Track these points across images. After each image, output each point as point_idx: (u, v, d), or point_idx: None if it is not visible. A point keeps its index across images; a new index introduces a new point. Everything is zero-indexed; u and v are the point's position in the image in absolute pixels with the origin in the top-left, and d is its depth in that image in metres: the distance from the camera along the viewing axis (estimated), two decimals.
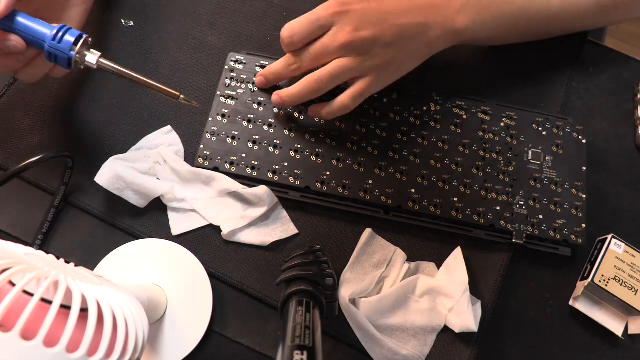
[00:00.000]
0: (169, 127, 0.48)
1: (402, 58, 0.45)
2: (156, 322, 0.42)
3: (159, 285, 0.43)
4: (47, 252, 0.30)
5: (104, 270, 0.44)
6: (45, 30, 0.39)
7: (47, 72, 0.43)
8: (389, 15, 0.43)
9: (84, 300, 0.25)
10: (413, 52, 0.45)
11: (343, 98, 0.45)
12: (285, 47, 0.45)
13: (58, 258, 0.29)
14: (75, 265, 0.30)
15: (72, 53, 0.39)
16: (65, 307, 0.24)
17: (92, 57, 0.40)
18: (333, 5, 0.43)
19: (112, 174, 0.44)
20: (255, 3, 0.54)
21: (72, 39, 0.39)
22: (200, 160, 0.47)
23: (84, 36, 0.40)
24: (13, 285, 0.23)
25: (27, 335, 0.22)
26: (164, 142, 0.48)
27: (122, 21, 0.53)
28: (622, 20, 0.53)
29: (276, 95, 0.47)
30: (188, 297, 0.44)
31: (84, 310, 0.24)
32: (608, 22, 0.53)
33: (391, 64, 0.44)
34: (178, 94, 0.42)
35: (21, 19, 0.39)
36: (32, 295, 0.24)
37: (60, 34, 0.39)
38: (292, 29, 0.43)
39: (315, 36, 0.43)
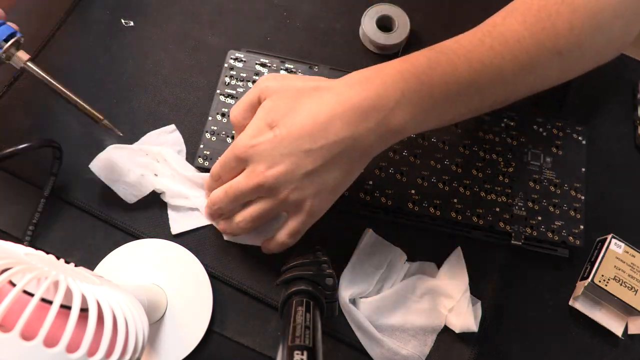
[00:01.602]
0: (172, 126, 0.48)
1: (333, 180, 0.38)
2: (156, 322, 0.42)
3: (159, 285, 0.43)
4: (47, 252, 0.30)
5: (104, 270, 0.44)
6: None
7: None
8: (302, 140, 0.36)
9: (84, 300, 0.25)
10: (344, 169, 0.38)
11: (281, 237, 0.41)
12: (209, 187, 0.43)
13: (58, 258, 0.29)
14: (75, 265, 0.30)
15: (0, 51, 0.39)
16: (65, 307, 0.24)
17: (19, 60, 0.40)
18: (241, 141, 0.38)
19: (107, 162, 0.44)
20: (255, 3, 0.54)
21: (3, 36, 0.39)
22: (200, 160, 0.47)
23: (18, 35, 0.39)
24: (13, 285, 0.23)
25: (27, 335, 0.22)
26: (167, 141, 0.48)
27: (122, 21, 0.53)
28: (593, 67, 0.45)
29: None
30: (188, 297, 0.43)
31: (84, 310, 0.24)
32: (579, 72, 0.45)
33: (322, 191, 0.38)
34: (101, 117, 0.42)
35: None
36: (32, 295, 0.24)
37: None
38: (216, 170, 0.41)
39: (237, 174, 0.40)
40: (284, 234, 0.41)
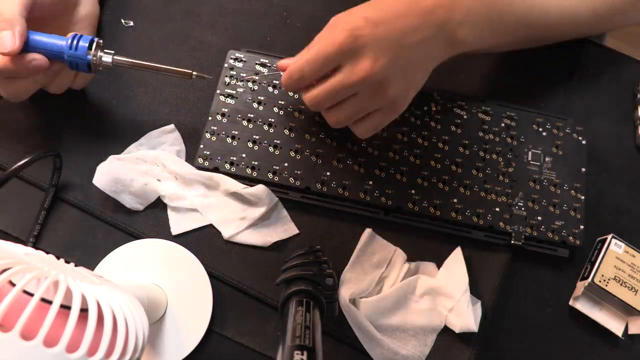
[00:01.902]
0: (172, 126, 0.48)
1: (418, 77, 0.43)
2: (156, 322, 0.42)
3: (159, 285, 0.43)
4: (47, 252, 0.30)
5: (104, 270, 0.44)
6: (60, 42, 0.42)
7: (72, 81, 0.46)
8: (399, 36, 0.40)
9: (84, 300, 0.25)
10: (424, 69, 0.43)
11: (366, 129, 0.44)
12: (291, 87, 0.43)
13: (58, 258, 0.29)
14: (75, 265, 0.30)
15: (89, 57, 0.42)
16: (65, 307, 0.24)
17: (108, 57, 0.43)
18: (340, 36, 0.39)
19: (110, 175, 0.44)
20: (255, 3, 0.54)
21: (86, 44, 0.42)
22: (200, 160, 0.47)
23: (96, 40, 0.43)
24: (13, 285, 0.23)
25: (27, 335, 0.22)
26: (166, 140, 0.48)
27: (122, 21, 0.53)
28: (618, 28, 0.53)
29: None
30: (188, 297, 0.43)
31: (84, 310, 0.24)
32: (604, 30, 0.54)
33: (410, 88, 0.43)
34: (190, 72, 0.44)
35: (37, 37, 0.41)
36: (32, 295, 0.24)
37: (75, 42, 0.42)
38: (300, 67, 0.41)
39: (325, 72, 0.41)
40: (369, 127, 0.44)
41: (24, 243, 0.44)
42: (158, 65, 0.44)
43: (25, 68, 0.41)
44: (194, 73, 0.44)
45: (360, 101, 0.41)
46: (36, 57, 0.41)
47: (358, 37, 0.39)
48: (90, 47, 0.42)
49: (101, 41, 0.43)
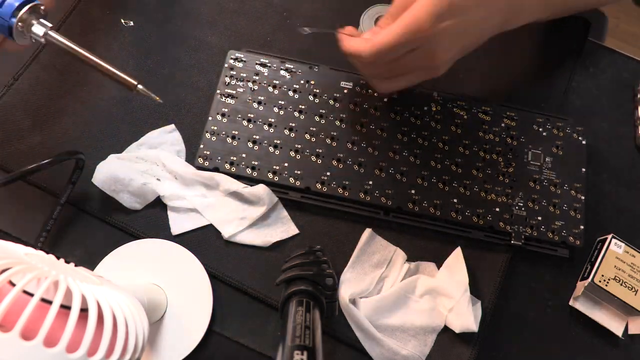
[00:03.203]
0: (172, 126, 0.48)
1: (469, 47, 0.42)
2: (156, 322, 0.42)
3: (159, 285, 0.43)
4: (47, 252, 0.30)
5: (104, 270, 0.44)
6: None
7: None
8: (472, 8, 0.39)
9: (84, 300, 0.25)
10: (479, 40, 0.43)
11: (393, 85, 0.44)
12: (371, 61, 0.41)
13: (58, 258, 0.29)
14: (75, 265, 0.30)
15: (13, 20, 0.34)
16: (65, 307, 0.24)
17: (39, 29, 0.35)
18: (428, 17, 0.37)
19: (109, 174, 0.44)
20: (255, 3, 0.54)
21: (16, 4, 0.33)
22: (201, 160, 0.47)
23: (35, 3, 0.34)
24: (13, 285, 0.23)
25: (27, 335, 0.22)
26: (166, 140, 0.48)
27: (122, 21, 0.53)
28: None
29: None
30: (188, 297, 0.43)
31: (84, 310, 0.24)
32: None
33: (457, 56, 0.42)
34: (135, 82, 0.36)
35: None
36: (32, 295, 0.24)
37: None
38: (370, 50, 0.39)
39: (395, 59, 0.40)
40: (404, 83, 0.43)
41: (33, 245, 0.44)
42: (99, 61, 0.36)
43: None
44: (139, 87, 0.37)
45: (411, 59, 0.40)
46: None
47: (442, 14, 0.37)
48: (19, 9, 0.34)
49: (43, 7, 0.35)
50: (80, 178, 0.46)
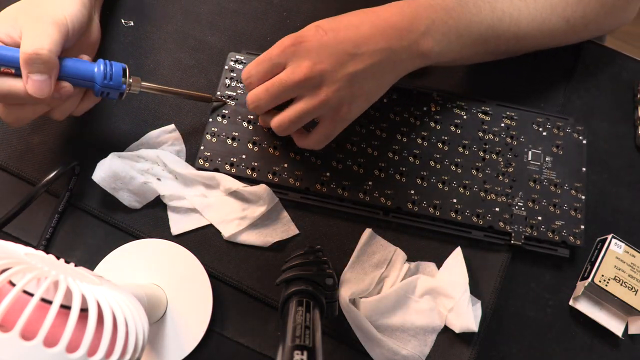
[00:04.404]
0: (172, 126, 0.48)
1: (368, 88, 0.42)
2: (156, 322, 0.42)
3: (159, 285, 0.43)
4: (47, 252, 0.30)
5: (104, 270, 0.44)
6: (90, 70, 0.40)
7: (76, 106, 0.43)
8: (347, 44, 0.40)
9: (84, 300, 0.25)
10: (379, 80, 0.43)
11: (309, 143, 0.44)
12: (246, 88, 0.44)
13: (58, 258, 0.29)
14: (75, 265, 0.30)
15: (124, 86, 0.41)
16: (65, 307, 0.24)
17: (137, 85, 0.43)
18: (287, 41, 0.40)
19: (110, 172, 0.44)
20: (255, 3, 0.54)
21: (120, 74, 0.41)
22: (201, 162, 0.47)
23: (125, 67, 0.42)
24: (13, 285, 0.24)
25: (27, 335, 0.22)
26: (167, 140, 0.48)
27: (122, 21, 0.53)
28: (594, 36, 0.52)
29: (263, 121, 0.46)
30: (188, 297, 0.44)
31: (84, 310, 0.24)
32: (580, 39, 0.52)
33: (358, 97, 0.42)
34: (210, 96, 0.47)
35: (67, 64, 0.39)
36: (32, 295, 0.24)
37: (108, 70, 0.40)
38: (248, 70, 0.42)
39: (272, 75, 0.41)
40: (314, 140, 0.44)
41: (35, 247, 0.44)
42: (180, 90, 0.46)
43: (51, 97, 0.38)
44: (214, 97, 0.47)
45: (301, 104, 0.41)
46: (65, 86, 0.38)
47: (303, 42, 0.40)
48: (124, 75, 0.41)
49: (126, 67, 0.42)
50: (80, 178, 0.46)
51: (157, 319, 0.42)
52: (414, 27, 0.41)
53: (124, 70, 0.41)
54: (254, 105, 0.43)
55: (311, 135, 0.44)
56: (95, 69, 0.40)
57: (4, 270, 0.24)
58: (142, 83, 0.43)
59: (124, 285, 0.33)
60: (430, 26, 0.42)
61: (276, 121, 0.43)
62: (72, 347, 0.23)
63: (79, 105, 0.42)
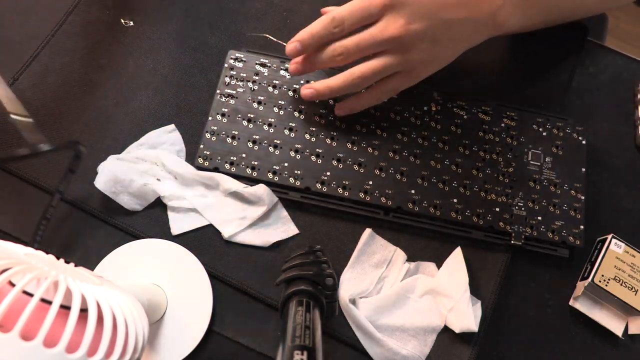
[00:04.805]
0: (172, 126, 0.48)
1: (446, 54, 0.45)
2: (156, 322, 0.42)
3: (159, 285, 0.43)
4: (47, 252, 0.30)
5: (104, 270, 0.44)
6: None
7: None
8: (439, 9, 0.42)
9: (83, 300, 0.25)
10: (455, 48, 0.45)
11: (377, 93, 0.46)
12: (329, 32, 0.43)
13: (58, 258, 0.29)
14: (75, 265, 0.30)
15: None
16: (65, 307, 0.24)
17: None
18: None
19: (110, 176, 0.44)
20: (255, 3, 0.54)
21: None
22: (201, 160, 0.47)
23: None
24: (13, 285, 0.23)
25: (27, 335, 0.22)
26: (166, 140, 0.48)
27: (122, 21, 0.53)
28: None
29: (309, 89, 0.46)
30: (188, 297, 0.43)
31: (83, 311, 0.24)
32: (627, 1, 0.55)
33: (434, 60, 0.44)
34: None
35: None
36: (32, 295, 0.24)
37: None
38: (341, 15, 0.42)
39: (365, 24, 0.42)
40: (382, 90, 0.45)
41: (31, 245, 0.44)
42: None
43: None
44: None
45: (384, 59, 0.42)
46: None
47: None
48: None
49: None
50: (80, 178, 0.46)
51: (157, 319, 0.42)
52: (493, 0, 0.44)
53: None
54: (341, 57, 0.43)
55: (378, 86, 0.45)
56: None
57: (4, 271, 0.24)
58: None
59: (123, 285, 0.33)
60: (506, 0, 0.44)
61: (360, 70, 0.43)
62: (72, 348, 0.23)
63: None
